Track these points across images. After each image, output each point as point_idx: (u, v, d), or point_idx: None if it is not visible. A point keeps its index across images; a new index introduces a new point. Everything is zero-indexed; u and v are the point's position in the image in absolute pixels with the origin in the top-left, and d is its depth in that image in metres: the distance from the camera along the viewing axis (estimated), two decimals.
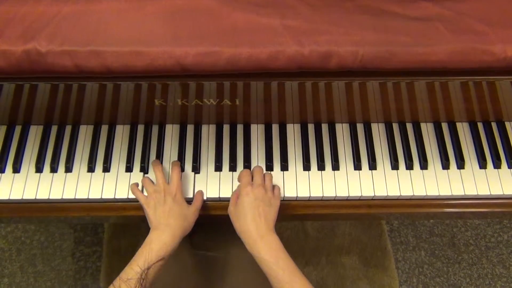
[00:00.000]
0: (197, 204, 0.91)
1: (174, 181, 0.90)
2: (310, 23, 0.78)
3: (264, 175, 0.92)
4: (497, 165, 0.97)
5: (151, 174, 0.96)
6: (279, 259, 0.81)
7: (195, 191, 0.94)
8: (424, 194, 0.94)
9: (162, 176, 0.91)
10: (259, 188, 0.87)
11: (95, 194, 0.94)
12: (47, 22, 0.77)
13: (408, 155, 0.98)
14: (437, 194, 0.94)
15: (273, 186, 0.93)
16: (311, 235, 1.27)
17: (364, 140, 1.00)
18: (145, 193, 0.91)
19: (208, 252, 1.04)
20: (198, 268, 1.03)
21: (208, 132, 1.01)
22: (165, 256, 0.81)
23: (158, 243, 0.82)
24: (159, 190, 0.89)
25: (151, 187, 0.90)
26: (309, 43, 0.76)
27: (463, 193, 0.94)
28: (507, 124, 1.02)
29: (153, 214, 0.86)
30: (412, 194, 0.95)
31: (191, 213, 0.89)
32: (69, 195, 0.94)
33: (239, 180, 0.92)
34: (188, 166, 0.97)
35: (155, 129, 1.01)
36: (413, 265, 1.63)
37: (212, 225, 1.08)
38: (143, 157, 0.97)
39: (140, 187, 0.93)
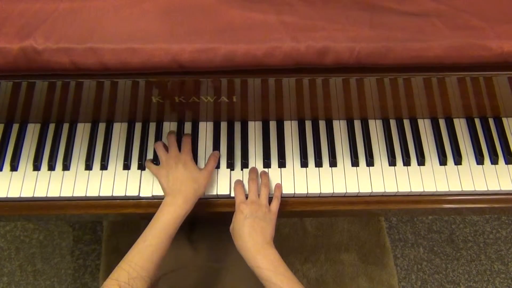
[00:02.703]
0: (209, 168, 0.94)
1: (185, 150, 0.94)
2: (306, 19, 0.78)
3: (261, 186, 0.93)
4: (494, 161, 0.97)
5: (149, 170, 0.96)
6: (278, 272, 0.81)
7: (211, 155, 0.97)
8: (422, 190, 0.95)
9: (175, 145, 0.95)
10: (253, 205, 0.89)
11: (93, 192, 0.94)
12: (43, 19, 0.77)
13: (406, 152, 0.98)
14: (434, 190, 0.95)
15: (271, 199, 0.93)
16: (310, 232, 1.27)
17: (362, 136, 1.00)
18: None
19: (212, 263, 1.05)
20: (201, 278, 1.03)
21: (205, 129, 1.01)
22: (179, 220, 0.85)
23: (173, 206, 0.86)
24: (171, 157, 0.92)
25: (164, 155, 0.94)
26: (305, 39, 0.76)
27: (460, 189, 0.95)
28: (504, 120, 1.02)
29: (165, 181, 0.90)
30: (409, 190, 0.95)
31: (203, 177, 0.92)
32: (67, 193, 0.94)
33: (235, 194, 0.93)
34: None
35: (152, 127, 1.01)
36: (412, 262, 1.64)
37: (215, 235, 1.09)
38: (140, 155, 0.97)
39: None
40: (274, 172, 0.97)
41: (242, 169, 0.97)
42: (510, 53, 0.76)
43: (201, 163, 0.97)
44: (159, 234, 0.83)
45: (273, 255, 0.84)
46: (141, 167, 0.97)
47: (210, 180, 0.94)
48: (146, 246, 0.81)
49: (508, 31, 0.77)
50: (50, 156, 0.97)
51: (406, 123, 1.01)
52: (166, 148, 0.96)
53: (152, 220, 0.85)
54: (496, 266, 1.64)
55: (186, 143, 0.96)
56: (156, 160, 0.97)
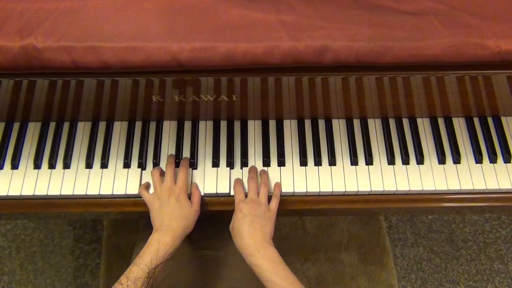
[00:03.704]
0: (195, 200, 0.92)
1: (180, 181, 0.92)
2: (305, 18, 0.78)
3: (260, 185, 0.93)
4: (493, 160, 0.97)
5: (149, 170, 0.96)
6: (277, 270, 0.81)
7: (191, 185, 0.95)
8: (421, 188, 0.95)
9: (172, 176, 0.92)
10: (252, 204, 0.89)
11: (93, 190, 0.94)
12: (44, 18, 0.78)
13: (405, 150, 0.98)
14: (433, 188, 0.95)
15: (271, 197, 0.93)
16: (310, 231, 1.28)
17: (361, 135, 1.00)
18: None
19: (206, 251, 1.05)
20: (196, 266, 1.03)
21: (205, 128, 1.01)
22: (166, 257, 0.83)
23: (160, 244, 0.83)
24: (165, 189, 0.90)
25: (158, 186, 0.92)
26: (304, 38, 0.76)
27: (459, 188, 0.95)
28: (503, 119, 1.02)
29: (156, 214, 0.88)
30: (408, 189, 0.95)
31: (194, 213, 0.91)
32: (67, 191, 0.94)
33: (234, 193, 0.93)
34: None
35: (152, 126, 1.01)
36: (412, 261, 1.64)
37: (210, 224, 1.09)
38: (140, 154, 0.98)
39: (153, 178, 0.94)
40: (273, 170, 0.97)
41: (241, 168, 0.98)
42: (507, 51, 0.76)
43: (202, 164, 0.98)
44: (144, 272, 0.79)
45: (272, 253, 0.84)
46: (141, 165, 0.97)
47: (199, 213, 0.92)
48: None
49: (506, 30, 0.77)
50: (51, 154, 0.97)
51: (405, 122, 1.02)
52: (163, 173, 0.94)
53: (138, 257, 0.83)
54: (495, 265, 1.64)
55: (182, 174, 0.93)
56: (155, 159, 0.97)
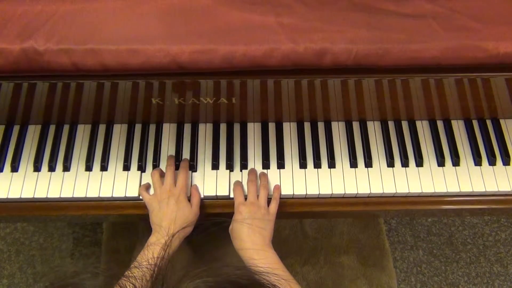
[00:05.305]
0: (195, 202, 0.92)
1: (180, 183, 0.92)
2: (305, 21, 0.79)
3: (260, 187, 0.93)
4: (492, 162, 0.98)
5: (149, 172, 0.96)
6: (276, 273, 0.81)
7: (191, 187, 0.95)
8: (420, 191, 0.95)
9: (172, 177, 0.92)
10: (252, 206, 0.89)
11: (92, 193, 0.94)
12: (44, 20, 0.78)
13: (404, 153, 0.98)
14: (432, 191, 0.95)
15: (271, 200, 0.93)
16: (310, 234, 1.27)
17: (360, 138, 1.01)
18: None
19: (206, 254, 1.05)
20: (202, 245, 1.04)
21: (205, 131, 1.01)
22: (164, 258, 0.82)
23: (158, 247, 0.83)
24: (165, 191, 0.90)
25: (158, 187, 0.92)
26: (304, 40, 0.76)
27: (458, 190, 0.95)
28: (502, 122, 1.02)
29: (155, 215, 0.88)
30: (407, 191, 0.95)
31: (193, 214, 0.90)
32: (67, 193, 0.94)
33: (234, 196, 0.93)
34: None
35: (152, 128, 1.01)
36: (411, 264, 1.64)
37: (214, 237, 1.09)
38: (140, 156, 0.98)
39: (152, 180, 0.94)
40: (273, 173, 0.97)
41: (241, 170, 0.98)
42: (506, 54, 0.77)
43: (201, 166, 0.98)
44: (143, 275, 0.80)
45: (271, 256, 0.84)
46: (141, 168, 0.97)
47: (199, 215, 0.92)
48: None
49: (504, 33, 0.78)
50: (51, 157, 0.97)
51: (404, 125, 1.02)
52: (163, 174, 0.94)
53: (136, 261, 0.80)
54: (495, 268, 1.64)
55: (182, 176, 0.93)
56: (155, 161, 0.97)
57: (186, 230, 0.89)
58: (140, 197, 0.94)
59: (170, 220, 0.87)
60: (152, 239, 0.86)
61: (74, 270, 0.56)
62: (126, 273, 0.73)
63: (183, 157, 0.98)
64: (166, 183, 0.92)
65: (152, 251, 0.79)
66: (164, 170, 0.95)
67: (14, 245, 1.63)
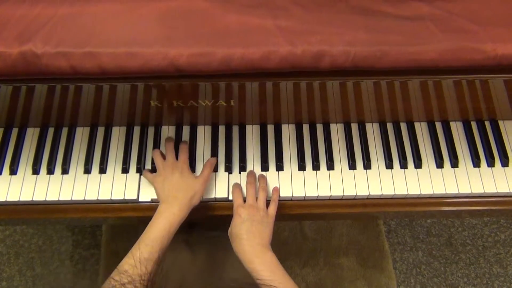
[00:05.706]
0: (205, 174, 0.93)
1: (182, 158, 0.94)
2: (303, 24, 0.79)
3: (259, 190, 0.93)
4: (490, 164, 0.98)
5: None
6: (275, 276, 0.81)
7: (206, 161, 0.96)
8: (419, 192, 0.95)
9: (173, 153, 0.95)
10: (251, 209, 0.89)
11: (91, 195, 0.94)
12: (42, 24, 0.78)
13: (402, 155, 0.98)
14: (431, 192, 0.95)
15: (270, 202, 0.93)
16: (309, 236, 1.27)
17: (359, 139, 1.01)
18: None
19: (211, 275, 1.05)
20: (201, 249, 1.05)
21: (203, 133, 1.02)
22: (175, 227, 0.85)
23: (168, 214, 0.85)
24: (168, 165, 0.93)
25: (161, 163, 0.94)
26: (302, 43, 0.76)
27: (457, 191, 0.95)
28: (501, 123, 1.02)
29: (161, 188, 0.90)
30: (406, 193, 0.95)
31: (199, 184, 0.92)
32: (65, 196, 0.94)
33: (233, 198, 0.93)
34: None
35: (151, 131, 1.01)
36: (411, 266, 1.64)
37: (213, 239, 1.10)
38: (139, 159, 0.98)
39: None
40: (272, 175, 0.97)
41: (240, 173, 0.98)
42: (504, 56, 0.77)
43: (199, 167, 0.98)
44: (153, 243, 0.82)
45: (270, 258, 0.84)
46: (140, 170, 0.97)
47: (206, 187, 0.94)
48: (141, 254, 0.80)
49: (502, 34, 0.78)
50: (49, 160, 0.97)
51: (403, 127, 1.02)
52: (163, 156, 0.96)
53: (147, 229, 0.85)
54: (494, 269, 1.64)
55: (183, 151, 0.96)
56: (154, 164, 0.97)
57: (194, 200, 0.90)
58: (139, 199, 0.95)
59: (176, 189, 0.89)
60: (161, 207, 0.87)
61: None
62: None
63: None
64: (168, 158, 0.94)
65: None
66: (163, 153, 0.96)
67: (13, 247, 1.63)
